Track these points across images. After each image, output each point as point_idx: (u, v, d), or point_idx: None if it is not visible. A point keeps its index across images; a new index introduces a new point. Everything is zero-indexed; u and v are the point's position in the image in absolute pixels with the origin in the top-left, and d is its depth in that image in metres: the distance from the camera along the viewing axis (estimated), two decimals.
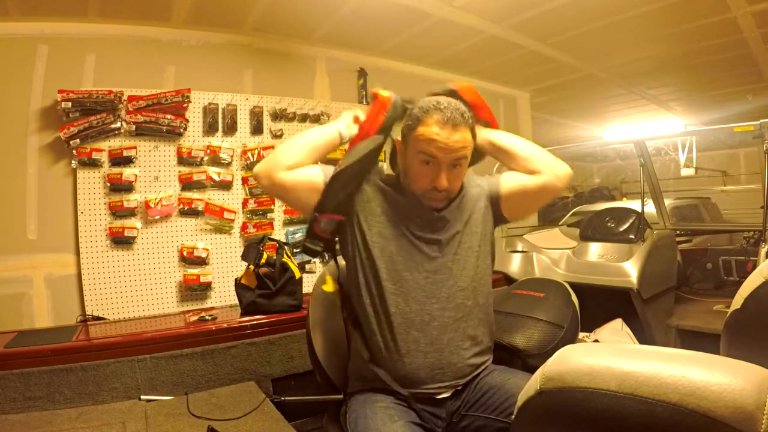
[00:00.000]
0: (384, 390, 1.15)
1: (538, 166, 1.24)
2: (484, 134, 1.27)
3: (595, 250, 2.34)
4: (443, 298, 1.15)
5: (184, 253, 2.64)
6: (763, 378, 0.46)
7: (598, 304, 2.14)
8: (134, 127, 2.52)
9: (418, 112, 1.13)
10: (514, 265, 2.50)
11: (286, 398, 1.48)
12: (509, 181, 1.27)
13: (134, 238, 2.52)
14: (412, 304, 1.14)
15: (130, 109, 2.51)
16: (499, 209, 1.27)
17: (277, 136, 2.92)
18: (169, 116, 2.59)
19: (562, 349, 0.60)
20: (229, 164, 2.77)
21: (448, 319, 1.15)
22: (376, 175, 1.24)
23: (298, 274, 2.16)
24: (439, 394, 1.14)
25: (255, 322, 1.80)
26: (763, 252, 1.94)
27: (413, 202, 1.19)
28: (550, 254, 2.44)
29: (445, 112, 1.10)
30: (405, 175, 1.20)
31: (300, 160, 1.18)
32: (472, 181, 1.28)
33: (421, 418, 1.11)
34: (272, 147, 2.87)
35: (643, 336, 2.11)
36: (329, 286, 1.38)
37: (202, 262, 2.67)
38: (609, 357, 0.53)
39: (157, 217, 2.58)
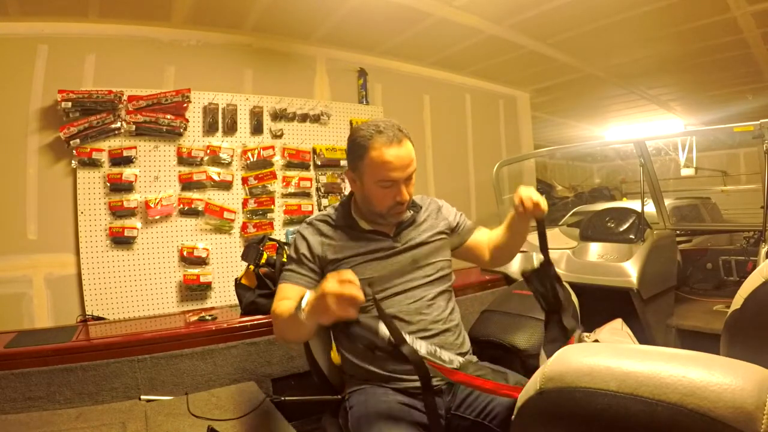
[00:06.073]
0: (382, 386, 1.16)
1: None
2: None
3: (595, 250, 2.33)
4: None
5: (184, 253, 2.63)
6: (763, 378, 0.46)
7: (598, 304, 2.14)
8: (134, 127, 2.52)
9: (362, 141, 1.16)
10: (514, 265, 2.50)
11: (286, 398, 1.48)
12: (478, 238, 1.40)
13: (134, 238, 2.52)
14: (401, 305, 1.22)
15: (130, 109, 2.51)
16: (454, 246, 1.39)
17: (277, 136, 2.92)
18: (169, 116, 2.58)
19: (562, 349, 0.60)
20: (229, 164, 2.77)
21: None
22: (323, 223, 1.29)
23: None
24: (435, 385, 1.15)
25: (255, 322, 1.79)
26: (763, 252, 1.93)
27: (366, 233, 1.27)
28: (550, 254, 2.43)
29: (387, 132, 1.14)
30: (364, 201, 1.24)
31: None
32: (432, 210, 1.37)
33: (424, 418, 1.11)
34: (272, 147, 2.87)
35: (643, 336, 2.10)
36: None
37: (202, 262, 2.67)
38: (609, 357, 0.53)
39: (157, 217, 2.57)
